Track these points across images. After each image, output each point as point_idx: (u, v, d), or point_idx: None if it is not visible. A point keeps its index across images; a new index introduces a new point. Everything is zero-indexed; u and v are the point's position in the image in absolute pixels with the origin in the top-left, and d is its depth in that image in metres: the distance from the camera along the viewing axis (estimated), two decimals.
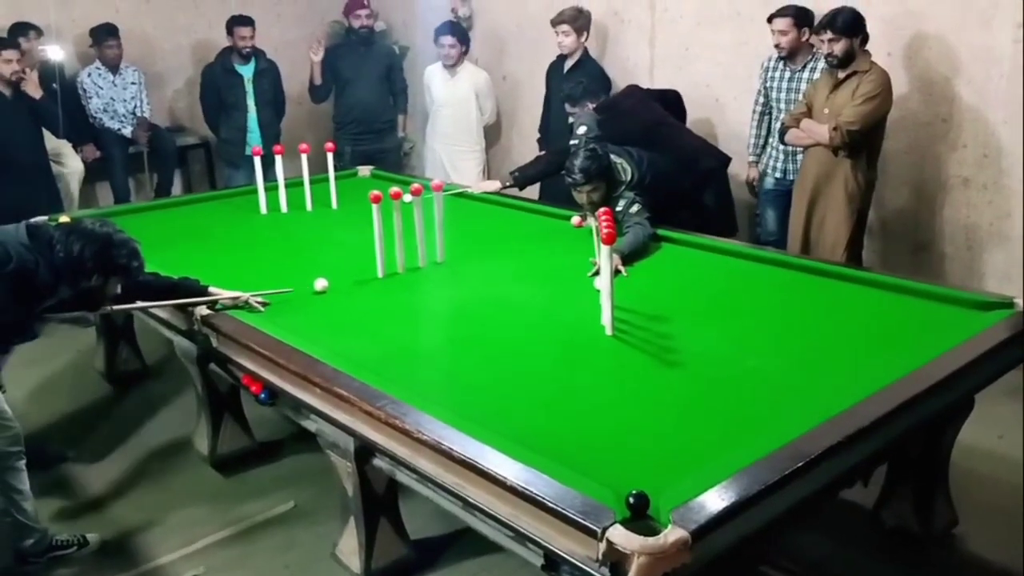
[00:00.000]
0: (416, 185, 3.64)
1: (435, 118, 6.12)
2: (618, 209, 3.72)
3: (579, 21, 5.28)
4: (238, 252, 3.88)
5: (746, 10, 5.00)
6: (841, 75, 4.08)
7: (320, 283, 3.28)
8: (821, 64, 4.40)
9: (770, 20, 4.49)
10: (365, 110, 6.21)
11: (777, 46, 4.50)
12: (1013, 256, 4.27)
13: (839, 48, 4.01)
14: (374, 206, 3.37)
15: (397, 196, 3.44)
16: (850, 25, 3.99)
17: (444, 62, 5.90)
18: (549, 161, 4.66)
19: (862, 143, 4.05)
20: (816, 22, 4.39)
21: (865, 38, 4.05)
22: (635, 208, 3.76)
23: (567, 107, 4.69)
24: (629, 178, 3.86)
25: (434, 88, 6.05)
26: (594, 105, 4.50)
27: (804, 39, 4.47)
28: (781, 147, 4.56)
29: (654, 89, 4.95)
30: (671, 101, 4.71)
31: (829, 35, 4.02)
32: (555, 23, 5.28)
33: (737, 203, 4.70)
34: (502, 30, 6.45)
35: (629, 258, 3.53)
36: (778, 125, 4.54)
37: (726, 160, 4.47)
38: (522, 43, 6.32)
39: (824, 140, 4.06)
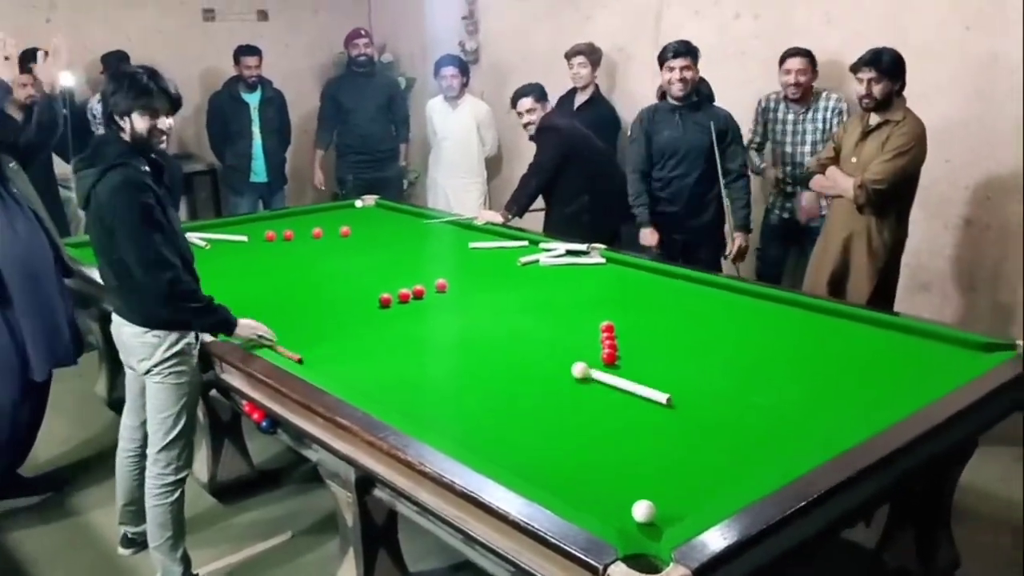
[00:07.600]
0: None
1: (437, 150, 6.17)
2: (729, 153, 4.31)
3: (595, 55, 5.45)
4: (235, 280, 3.86)
5: (750, 49, 5.05)
6: (873, 122, 3.79)
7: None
8: (831, 104, 4.45)
9: (783, 61, 4.48)
10: (365, 139, 6.26)
11: (796, 85, 4.44)
12: (1015, 298, 4.28)
13: (879, 90, 3.68)
14: None
15: (406, 298, 3.48)
16: (894, 67, 3.67)
17: (446, 93, 5.97)
18: (535, 185, 4.66)
19: (891, 200, 3.76)
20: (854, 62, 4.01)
21: (903, 85, 3.76)
22: (739, 161, 4.36)
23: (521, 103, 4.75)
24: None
25: (436, 121, 6.11)
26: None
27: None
28: (787, 186, 4.60)
29: None
30: None
31: (872, 73, 3.66)
32: (570, 55, 5.41)
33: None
34: (507, 64, 6.51)
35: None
36: (786, 169, 4.57)
37: None
38: (527, 77, 6.29)
39: (848, 195, 3.79)
